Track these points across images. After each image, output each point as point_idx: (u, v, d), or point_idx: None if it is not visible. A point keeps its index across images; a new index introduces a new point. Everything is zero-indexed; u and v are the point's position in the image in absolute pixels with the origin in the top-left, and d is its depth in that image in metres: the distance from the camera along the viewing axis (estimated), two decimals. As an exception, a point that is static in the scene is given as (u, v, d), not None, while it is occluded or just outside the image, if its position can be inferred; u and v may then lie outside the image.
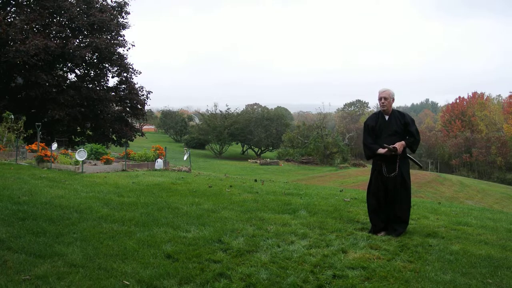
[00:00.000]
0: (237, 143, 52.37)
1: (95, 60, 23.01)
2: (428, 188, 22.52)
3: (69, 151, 13.27)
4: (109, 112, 23.33)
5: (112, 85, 24.56)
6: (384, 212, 4.86)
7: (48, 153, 10.87)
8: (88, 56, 21.77)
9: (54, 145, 11.95)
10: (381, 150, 4.72)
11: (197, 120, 64.16)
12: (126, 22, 24.18)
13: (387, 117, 4.93)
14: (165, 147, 13.21)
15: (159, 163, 11.88)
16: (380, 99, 4.90)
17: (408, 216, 4.96)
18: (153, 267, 3.49)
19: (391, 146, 4.66)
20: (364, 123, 5.09)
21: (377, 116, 5.00)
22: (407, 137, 4.84)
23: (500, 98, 64.00)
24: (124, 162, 11.30)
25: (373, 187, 4.95)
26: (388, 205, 4.86)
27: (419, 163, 5.31)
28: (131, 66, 24.36)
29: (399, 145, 4.73)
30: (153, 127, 77.17)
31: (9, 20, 20.53)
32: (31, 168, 10.02)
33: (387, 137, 4.81)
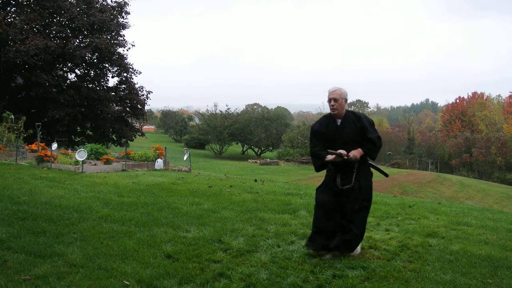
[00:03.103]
0: (237, 143, 52.34)
1: (95, 60, 23.01)
2: (428, 188, 22.50)
3: (69, 151, 13.27)
4: (109, 112, 23.33)
5: (112, 85, 24.58)
6: (331, 231, 4.03)
7: (48, 153, 10.87)
8: (88, 56, 21.78)
9: (54, 145, 11.94)
10: (329, 157, 3.91)
11: (197, 120, 64.14)
12: (126, 22, 24.21)
13: (339, 122, 4.05)
14: (165, 147, 13.20)
15: (159, 163, 11.87)
16: (329, 100, 4.00)
17: (359, 240, 4.05)
18: (153, 267, 3.49)
19: (338, 152, 3.88)
20: (311, 128, 4.26)
21: (328, 120, 4.11)
22: (364, 144, 3.99)
23: (500, 98, 63.99)
24: (124, 162, 11.29)
25: (321, 199, 4.10)
26: (338, 221, 4.05)
27: (384, 171, 4.47)
28: (131, 66, 24.38)
29: (354, 152, 3.91)
30: (153, 127, 77.13)
31: (9, 20, 20.53)
32: (31, 168, 10.02)
33: (341, 146, 3.92)
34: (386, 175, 4.51)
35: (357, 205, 3.98)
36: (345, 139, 3.96)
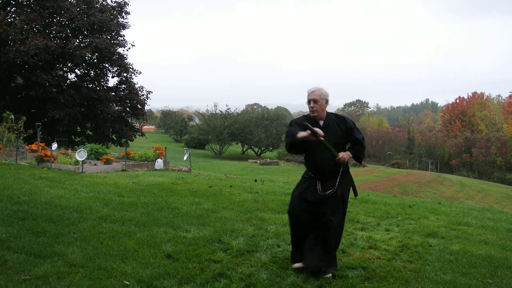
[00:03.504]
0: (237, 143, 52.32)
1: (95, 60, 23.01)
2: (428, 188, 22.50)
3: (69, 151, 13.27)
4: (109, 112, 23.33)
5: (112, 85, 24.57)
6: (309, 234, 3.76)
7: (48, 153, 10.87)
8: (88, 56, 21.77)
9: (54, 145, 11.94)
10: (302, 133, 3.49)
11: (197, 120, 64.12)
12: (126, 22, 24.20)
13: (321, 123, 3.69)
14: (165, 147, 13.21)
15: (159, 163, 11.88)
16: (308, 102, 3.69)
17: (334, 254, 3.72)
18: (153, 267, 3.49)
19: (315, 129, 3.47)
20: (290, 122, 3.94)
21: (308, 122, 3.68)
22: (353, 146, 3.77)
23: (500, 98, 64.02)
24: (124, 162, 11.29)
25: (297, 206, 3.72)
26: (315, 232, 3.73)
27: (356, 190, 4.01)
28: (131, 66, 24.37)
29: (343, 154, 3.62)
30: (153, 127, 77.12)
31: (9, 20, 20.53)
32: (31, 168, 10.02)
33: (324, 151, 3.60)
34: (355, 194, 4.03)
35: (335, 219, 3.65)
36: (329, 142, 3.61)
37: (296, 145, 3.68)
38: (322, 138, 3.51)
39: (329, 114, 3.78)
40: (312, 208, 3.68)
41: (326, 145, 3.58)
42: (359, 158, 3.80)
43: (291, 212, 3.79)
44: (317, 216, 3.69)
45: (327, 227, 3.62)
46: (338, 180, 3.69)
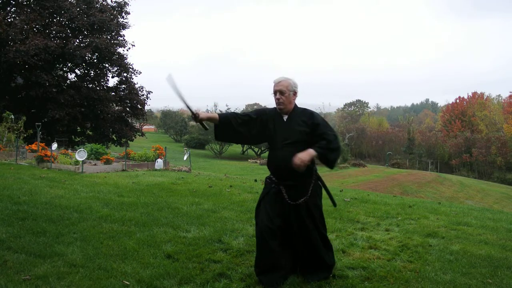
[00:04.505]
0: (237, 143, 52.44)
1: (95, 60, 23.03)
2: (428, 188, 22.51)
3: (69, 151, 13.27)
4: (109, 112, 23.35)
5: (112, 85, 24.60)
6: (287, 253, 3.29)
7: (48, 153, 10.87)
8: (88, 56, 21.79)
9: (54, 145, 11.95)
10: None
11: (197, 120, 64.11)
12: (126, 22, 24.24)
13: (285, 118, 3.29)
14: (165, 147, 13.21)
15: (159, 163, 11.88)
16: (274, 93, 3.26)
17: (333, 261, 3.40)
18: (153, 267, 3.49)
19: (194, 110, 3.07)
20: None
21: (274, 114, 3.33)
22: (319, 142, 3.12)
23: (500, 98, 64.08)
24: (124, 162, 11.29)
25: (265, 220, 3.18)
26: (292, 247, 3.30)
27: (334, 200, 3.50)
28: (131, 66, 24.40)
29: (301, 155, 3.00)
30: (153, 127, 77.16)
31: (9, 20, 20.54)
32: (31, 168, 10.02)
33: (285, 148, 3.15)
34: (335, 204, 3.53)
35: (316, 231, 3.23)
36: (293, 138, 3.17)
37: (217, 130, 3.21)
38: (196, 116, 3.09)
39: (297, 108, 3.31)
40: (284, 219, 3.17)
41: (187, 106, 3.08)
42: (326, 159, 3.11)
43: (259, 234, 3.19)
44: (293, 235, 3.19)
45: (312, 244, 3.18)
46: (311, 185, 3.21)
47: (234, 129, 3.26)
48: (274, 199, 3.20)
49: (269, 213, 3.18)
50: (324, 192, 3.42)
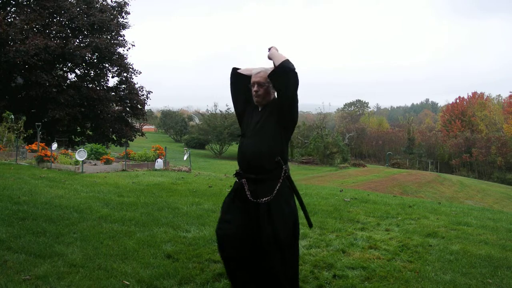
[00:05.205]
0: (237, 143, 52.41)
1: (95, 60, 23.03)
2: (428, 188, 22.49)
3: (69, 151, 13.28)
4: (109, 112, 23.36)
5: (112, 85, 24.61)
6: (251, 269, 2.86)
7: (48, 153, 10.87)
8: (88, 56, 21.80)
9: (54, 145, 11.95)
10: None
11: (197, 120, 64.11)
12: (126, 22, 24.24)
13: (260, 109, 2.97)
14: (165, 147, 13.21)
15: (159, 163, 11.88)
16: (252, 84, 2.92)
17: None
18: (153, 267, 3.49)
19: None
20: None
21: (252, 105, 3.01)
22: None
23: (500, 98, 64.08)
24: (124, 162, 11.30)
25: (224, 227, 2.89)
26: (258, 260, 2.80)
27: (309, 216, 2.96)
28: (131, 66, 24.40)
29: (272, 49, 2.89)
30: (153, 127, 77.15)
31: (9, 20, 20.54)
32: (31, 168, 10.02)
33: (251, 137, 2.86)
34: (311, 225, 3.02)
35: (283, 235, 2.70)
36: (262, 126, 2.87)
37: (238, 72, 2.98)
38: None
39: (275, 100, 2.95)
40: (247, 223, 2.77)
41: None
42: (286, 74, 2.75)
43: (219, 239, 2.89)
44: (256, 243, 2.74)
45: (271, 268, 2.70)
46: (279, 184, 2.75)
47: (244, 92, 3.02)
48: (233, 195, 2.88)
49: (224, 209, 2.94)
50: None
